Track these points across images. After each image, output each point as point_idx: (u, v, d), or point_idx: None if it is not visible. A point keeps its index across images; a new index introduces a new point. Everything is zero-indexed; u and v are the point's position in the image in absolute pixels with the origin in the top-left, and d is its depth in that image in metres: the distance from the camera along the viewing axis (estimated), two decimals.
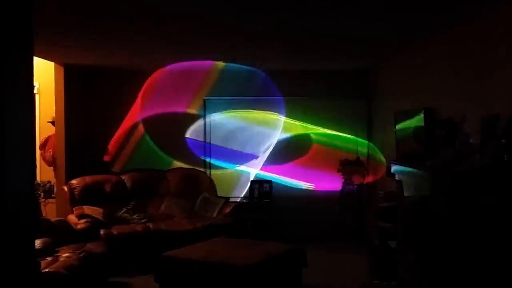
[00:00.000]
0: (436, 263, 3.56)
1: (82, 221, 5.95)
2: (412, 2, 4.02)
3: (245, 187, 7.80)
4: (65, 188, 6.66)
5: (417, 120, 5.26)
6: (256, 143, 7.86)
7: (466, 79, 4.53)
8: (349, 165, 7.59)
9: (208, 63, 7.19)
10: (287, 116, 7.85)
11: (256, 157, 7.86)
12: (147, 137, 7.80)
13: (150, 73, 7.72)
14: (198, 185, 7.43)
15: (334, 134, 7.83)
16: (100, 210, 6.36)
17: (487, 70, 4.14)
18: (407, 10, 4.26)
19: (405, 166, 4.30)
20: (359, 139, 7.82)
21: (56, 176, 7.25)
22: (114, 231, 6.05)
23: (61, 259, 4.72)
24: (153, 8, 4.22)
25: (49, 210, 7.16)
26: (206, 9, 4.25)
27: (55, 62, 7.05)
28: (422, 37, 5.29)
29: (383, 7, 4.16)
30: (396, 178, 4.58)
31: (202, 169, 7.77)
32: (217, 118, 7.84)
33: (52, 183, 7.29)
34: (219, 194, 7.48)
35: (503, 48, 3.90)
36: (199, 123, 7.85)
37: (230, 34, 5.25)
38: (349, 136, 7.82)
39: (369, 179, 7.60)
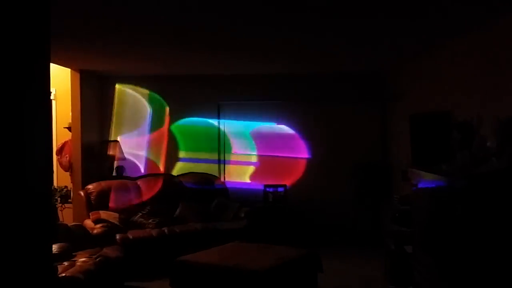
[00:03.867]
0: (453, 268, 3.52)
1: (98, 225, 6.00)
2: (429, 7, 4.00)
3: None
4: (82, 193, 6.71)
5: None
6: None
7: (483, 82, 4.48)
8: (363, 169, 7.55)
9: None
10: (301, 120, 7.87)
11: None
12: None
13: (164, 78, 7.76)
14: (213, 190, 7.45)
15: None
16: (116, 214, 6.40)
17: (504, 73, 4.09)
18: (423, 15, 4.24)
19: (420, 170, 4.26)
20: (374, 143, 7.79)
21: (72, 181, 7.32)
22: (130, 235, 6.09)
23: (78, 263, 4.75)
24: (168, 18, 4.25)
25: (66, 215, 7.22)
26: (222, 18, 4.28)
27: (71, 68, 7.13)
28: (438, 40, 5.26)
29: (400, 11, 4.14)
30: (412, 182, 4.55)
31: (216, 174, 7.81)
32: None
33: (69, 188, 7.36)
34: None
35: None
36: None
37: (244, 37, 5.27)
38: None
39: (383, 183, 7.54)
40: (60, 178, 7.46)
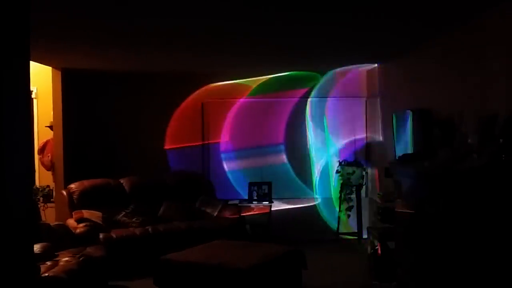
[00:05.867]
0: (435, 264, 3.56)
1: (81, 225, 5.95)
2: (412, 8, 4.04)
3: None
4: (64, 193, 6.65)
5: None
6: None
7: (464, 80, 4.54)
8: (347, 166, 7.59)
9: None
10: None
11: None
12: None
13: (147, 76, 7.72)
14: (197, 188, 7.44)
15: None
16: (99, 214, 6.35)
17: (484, 70, 4.15)
18: (407, 15, 4.28)
19: (403, 166, 4.31)
20: (358, 139, 7.84)
21: (55, 181, 7.24)
22: (113, 234, 6.05)
23: (61, 263, 4.71)
24: (150, 14, 4.23)
25: (48, 215, 7.15)
26: (207, 16, 4.27)
27: (53, 67, 7.04)
28: (421, 39, 5.30)
29: (384, 12, 4.17)
30: (395, 178, 4.59)
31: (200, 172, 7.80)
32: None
33: (51, 188, 7.28)
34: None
35: (499, 49, 3.92)
36: None
37: (231, 38, 5.26)
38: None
39: (367, 180, 7.59)
40: (42, 177, 7.38)
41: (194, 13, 4.23)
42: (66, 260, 4.78)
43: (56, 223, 5.99)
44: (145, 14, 4.27)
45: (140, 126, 7.83)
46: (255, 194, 7.65)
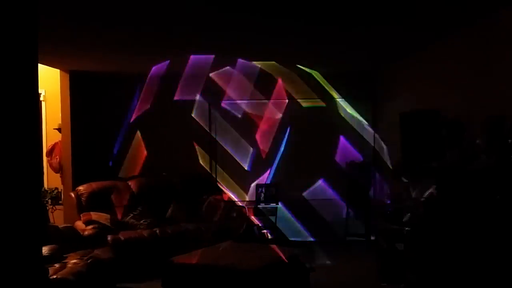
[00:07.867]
0: (443, 265, 3.54)
1: (89, 227, 5.97)
2: (417, 7, 4.03)
3: None
4: (72, 195, 6.67)
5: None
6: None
7: (471, 81, 4.52)
8: (355, 167, 7.57)
9: None
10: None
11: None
12: None
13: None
14: (204, 189, 7.44)
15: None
16: (107, 216, 6.37)
17: (492, 71, 4.12)
18: (412, 15, 4.27)
19: (411, 167, 4.29)
20: (365, 141, 7.82)
21: (63, 183, 7.27)
22: (121, 236, 6.06)
23: (69, 265, 4.72)
24: (156, 16, 4.25)
25: (57, 217, 7.18)
26: (207, 17, 4.28)
27: (61, 69, 7.08)
28: (427, 40, 5.29)
29: (389, 12, 4.16)
30: (403, 179, 4.57)
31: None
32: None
33: (59, 190, 7.31)
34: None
35: (507, 49, 3.89)
36: None
37: (236, 41, 5.27)
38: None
39: (375, 181, 7.56)
40: (50, 179, 7.41)
41: (199, 18, 4.25)
42: (74, 262, 4.79)
43: (64, 225, 6.01)
44: (150, 19, 4.29)
45: (147, 128, 7.85)
46: (262, 196, 7.65)
